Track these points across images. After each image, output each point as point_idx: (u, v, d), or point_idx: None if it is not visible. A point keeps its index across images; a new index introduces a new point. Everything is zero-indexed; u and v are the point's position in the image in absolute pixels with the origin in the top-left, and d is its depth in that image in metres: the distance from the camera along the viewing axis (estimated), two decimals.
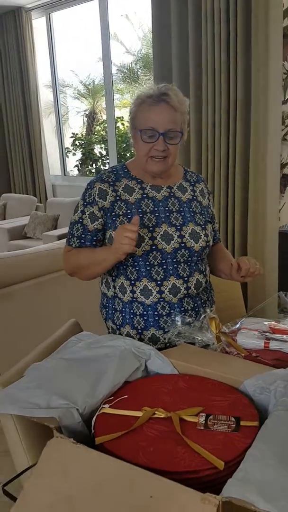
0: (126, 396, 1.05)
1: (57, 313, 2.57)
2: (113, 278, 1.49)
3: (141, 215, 1.43)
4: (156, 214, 1.45)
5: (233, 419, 0.95)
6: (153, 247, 1.42)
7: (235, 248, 3.10)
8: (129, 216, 1.43)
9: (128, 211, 1.44)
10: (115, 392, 1.07)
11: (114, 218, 1.44)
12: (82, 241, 1.48)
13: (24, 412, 0.96)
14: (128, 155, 5.56)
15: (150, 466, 0.83)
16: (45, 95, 5.62)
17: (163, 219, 1.45)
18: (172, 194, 1.49)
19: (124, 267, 1.45)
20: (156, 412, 0.98)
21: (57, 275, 2.57)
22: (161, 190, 1.48)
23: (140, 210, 1.44)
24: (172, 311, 1.43)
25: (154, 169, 1.43)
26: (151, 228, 1.43)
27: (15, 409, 0.98)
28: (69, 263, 1.53)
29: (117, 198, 1.45)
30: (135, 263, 1.43)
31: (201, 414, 0.97)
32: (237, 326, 1.45)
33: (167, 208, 1.47)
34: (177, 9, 2.92)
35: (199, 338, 1.36)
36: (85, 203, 1.48)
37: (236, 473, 0.78)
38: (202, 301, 1.50)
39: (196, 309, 1.47)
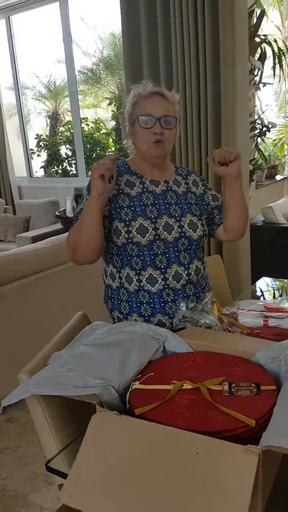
0: (152, 374, 1.14)
1: (47, 311, 2.63)
2: (118, 269, 1.57)
3: (143, 207, 1.54)
4: (157, 206, 1.56)
5: (253, 385, 1.06)
6: (156, 237, 1.52)
7: (210, 241, 3.24)
8: (132, 208, 1.53)
9: (131, 203, 1.54)
10: (141, 370, 1.16)
11: (118, 210, 1.54)
12: None
13: (65, 392, 1.04)
14: (94, 155, 5.62)
15: (189, 428, 0.93)
16: (6, 97, 5.59)
17: (163, 211, 1.56)
18: (169, 188, 1.60)
19: (129, 258, 1.54)
20: (184, 384, 1.08)
21: (44, 274, 2.62)
22: (159, 185, 1.59)
23: (142, 203, 1.54)
24: (176, 297, 1.53)
25: (154, 153, 1.53)
26: (153, 219, 1.53)
27: (55, 390, 1.05)
28: (69, 240, 1.52)
29: (120, 191, 1.55)
30: (140, 253, 1.52)
31: (224, 382, 1.08)
32: (235, 308, 1.58)
33: (166, 201, 1.58)
34: (146, 14, 3.03)
35: (202, 321, 1.47)
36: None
37: (269, 427, 0.90)
38: (202, 287, 1.62)
39: (197, 295, 1.58)
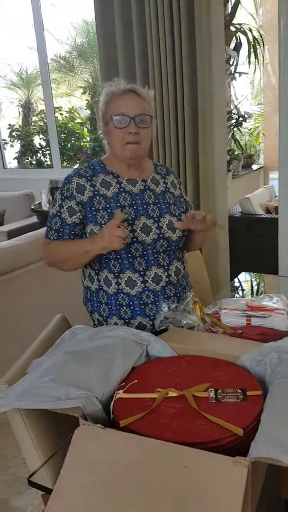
0: (136, 381, 1.12)
1: (25, 311, 2.57)
2: (96, 271, 1.53)
3: (119, 209, 1.49)
4: (134, 207, 1.52)
5: (239, 390, 1.05)
6: (134, 239, 1.49)
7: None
8: (108, 210, 1.48)
9: (107, 205, 1.49)
10: (125, 378, 1.13)
11: (94, 213, 1.49)
12: (60, 234, 1.52)
13: (47, 405, 1.00)
14: (68, 145, 5.51)
15: (176, 440, 0.91)
16: None
17: (141, 212, 1.52)
18: (147, 187, 1.56)
19: (107, 260, 1.50)
20: (169, 392, 1.06)
21: (21, 272, 2.56)
22: (136, 184, 1.55)
23: (118, 204, 1.50)
24: (156, 298, 1.51)
25: (129, 154, 1.49)
26: (130, 221, 1.49)
27: (36, 403, 1.01)
28: (49, 255, 1.57)
29: (95, 193, 1.50)
30: (118, 256, 1.48)
31: (210, 389, 1.06)
32: (217, 307, 1.57)
33: (144, 201, 1.53)
34: (120, 5, 2.94)
35: (185, 321, 1.45)
36: (63, 197, 1.52)
37: (257, 436, 0.88)
38: (182, 287, 1.59)
39: (178, 295, 1.56)
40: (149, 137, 1.52)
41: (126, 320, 1.51)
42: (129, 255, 1.49)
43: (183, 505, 0.82)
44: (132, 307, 1.50)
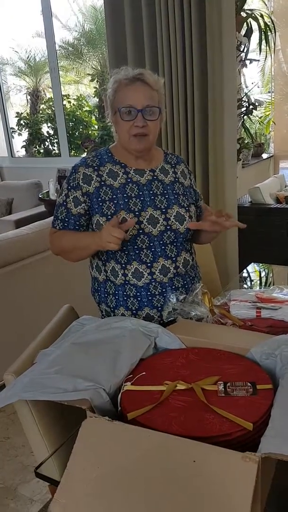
0: (144, 373, 1.10)
1: (33, 300, 2.57)
2: (103, 262, 1.52)
3: (126, 200, 1.47)
4: (141, 198, 1.49)
5: (249, 384, 1.03)
6: (140, 231, 1.47)
7: None
8: (115, 201, 1.46)
9: (114, 196, 1.47)
10: (133, 370, 1.12)
11: (100, 204, 1.47)
12: (66, 224, 1.51)
13: (55, 397, 0.99)
14: (76, 134, 5.48)
15: (185, 434, 0.90)
16: None
17: (148, 203, 1.49)
18: (155, 177, 1.53)
19: (113, 251, 1.48)
20: (177, 384, 1.05)
21: (29, 261, 2.55)
22: (144, 174, 1.52)
23: (125, 195, 1.48)
24: (164, 290, 1.49)
25: (136, 147, 1.46)
26: (137, 213, 1.47)
27: (44, 395, 1.00)
28: (54, 245, 1.57)
29: (102, 183, 1.48)
30: (124, 247, 1.46)
31: (219, 382, 1.04)
32: (226, 298, 1.55)
33: (151, 192, 1.51)
34: None
35: (193, 313, 1.43)
36: (69, 187, 1.50)
37: (267, 431, 0.87)
38: (191, 278, 1.57)
39: (186, 286, 1.54)
40: (157, 129, 1.49)
41: (134, 311, 1.49)
42: (135, 246, 1.47)
43: (191, 501, 0.80)
44: (139, 298, 1.48)
